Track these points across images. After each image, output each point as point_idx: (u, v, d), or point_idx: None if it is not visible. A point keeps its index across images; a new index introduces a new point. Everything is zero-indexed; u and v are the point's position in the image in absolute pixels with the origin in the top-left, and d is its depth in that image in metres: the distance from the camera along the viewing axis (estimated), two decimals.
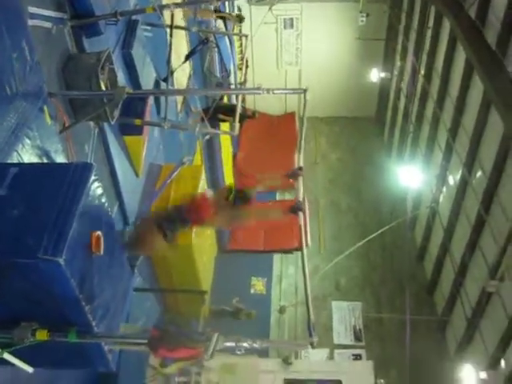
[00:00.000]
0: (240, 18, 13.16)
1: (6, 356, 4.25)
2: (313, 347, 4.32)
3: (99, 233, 4.18)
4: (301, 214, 5.80)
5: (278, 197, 19.75)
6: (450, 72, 15.47)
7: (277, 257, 18.15)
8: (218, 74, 15.93)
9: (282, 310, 17.01)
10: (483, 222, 13.22)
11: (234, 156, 19.46)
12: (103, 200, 4.43)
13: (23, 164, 5.11)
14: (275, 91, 6.02)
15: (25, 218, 3.89)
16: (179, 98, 12.59)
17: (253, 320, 14.69)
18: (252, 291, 16.95)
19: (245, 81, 14.42)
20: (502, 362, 12.46)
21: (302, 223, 5.70)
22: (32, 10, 6.28)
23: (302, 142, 6.38)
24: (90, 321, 4.17)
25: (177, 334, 4.20)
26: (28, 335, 4.11)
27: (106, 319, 4.39)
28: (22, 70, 5.65)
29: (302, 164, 6.33)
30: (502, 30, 11.63)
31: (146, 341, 4.21)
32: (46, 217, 3.88)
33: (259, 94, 6.04)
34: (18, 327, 4.15)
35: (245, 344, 4.11)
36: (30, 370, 4.57)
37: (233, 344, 4.14)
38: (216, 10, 12.40)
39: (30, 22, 6.13)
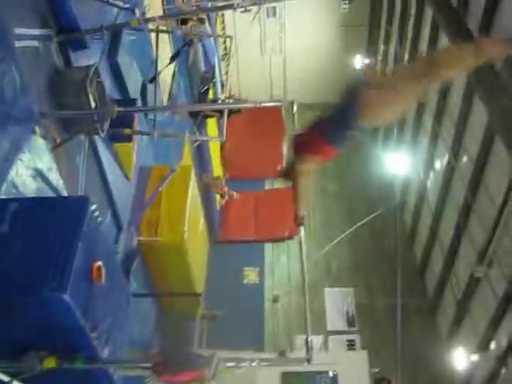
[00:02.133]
0: (200, 20, 13.85)
1: None
2: (309, 363, 4.49)
3: (100, 263, 4.30)
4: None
5: (267, 186, 19.97)
6: None
7: (268, 246, 18.31)
8: (203, 68, 16.00)
9: (275, 299, 17.23)
10: (470, 207, 13.42)
11: (221, 147, 19.51)
12: (102, 229, 4.55)
13: (22, 199, 5.19)
14: (263, 104, 6.13)
15: (28, 255, 4.01)
16: (165, 96, 12.65)
17: (248, 310, 14.99)
18: (245, 281, 17.14)
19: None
20: (492, 344, 12.77)
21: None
22: (19, 31, 6.30)
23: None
24: (96, 347, 4.32)
25: (179, 358, 4.35)
26: (37, 363, 4.24)
27: (109, 343, 4.54)
28: (13, 94, 5.67)
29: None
30: (483, 17, 11.73)
31: (150, 365, 4.35)
32: (47, 253, 4.00)
33: (247, 107, 6.15)
34: (27, 356, 4.27)
35: (244, 364, 4.27)
36: None
37: (233, 364, 4.31)
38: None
39: (18, 44, 6.17)
